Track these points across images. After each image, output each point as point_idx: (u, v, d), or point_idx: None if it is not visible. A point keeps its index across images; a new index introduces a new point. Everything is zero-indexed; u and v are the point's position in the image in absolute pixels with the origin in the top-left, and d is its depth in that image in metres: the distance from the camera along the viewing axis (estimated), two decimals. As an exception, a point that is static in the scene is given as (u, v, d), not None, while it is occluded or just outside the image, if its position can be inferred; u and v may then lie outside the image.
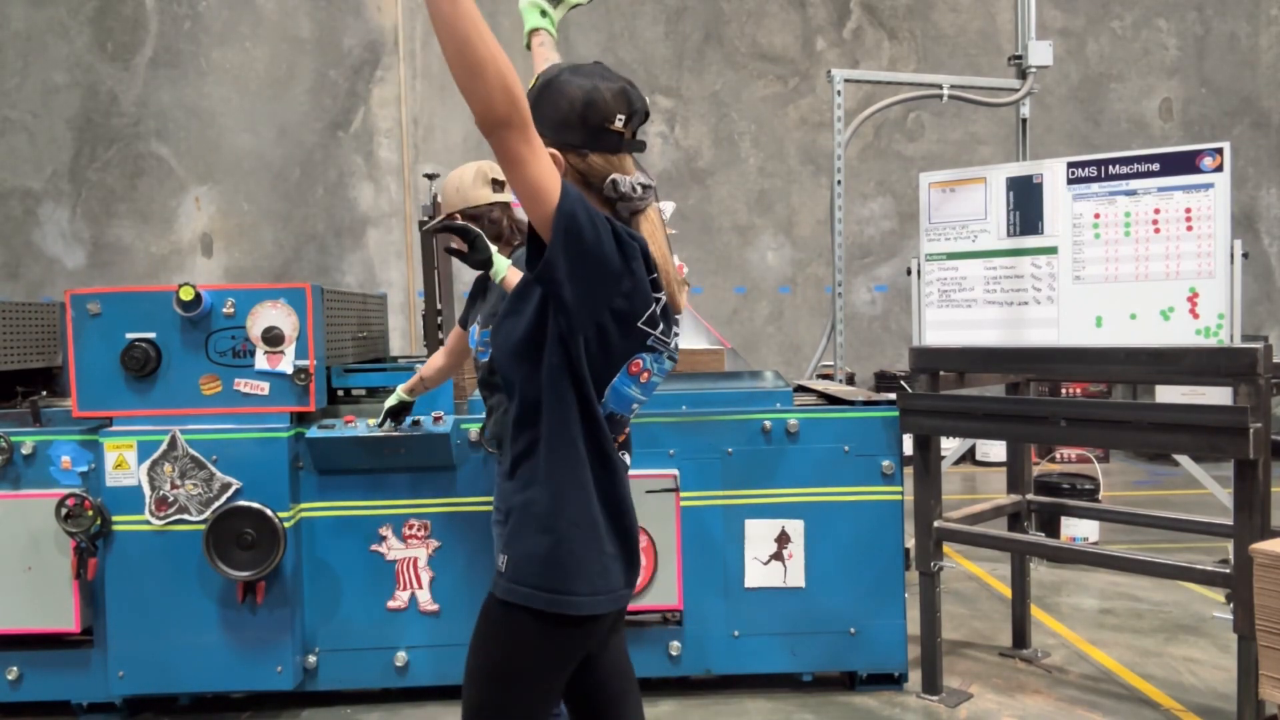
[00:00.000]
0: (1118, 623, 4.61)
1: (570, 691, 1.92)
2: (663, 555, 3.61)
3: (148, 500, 3.50)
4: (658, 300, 1.75)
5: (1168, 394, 5.96)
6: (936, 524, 3.72)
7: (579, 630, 1.73)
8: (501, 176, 3.14)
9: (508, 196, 3.14)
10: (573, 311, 1.65)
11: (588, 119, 1.73)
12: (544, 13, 2.08)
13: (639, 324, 1.72)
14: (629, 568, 1.81)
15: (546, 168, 1.57)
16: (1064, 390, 7.72)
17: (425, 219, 3.94)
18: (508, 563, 1.73)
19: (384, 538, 3.65)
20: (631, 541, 1.82)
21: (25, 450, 3.55)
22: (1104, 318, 3.49)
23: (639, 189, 1.76)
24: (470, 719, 1.76)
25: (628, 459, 1.95)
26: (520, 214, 3.18)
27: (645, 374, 1.80)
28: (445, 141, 10.12)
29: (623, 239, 1.67)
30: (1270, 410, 2.97)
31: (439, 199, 3.42)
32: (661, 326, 1.78)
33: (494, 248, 2.54)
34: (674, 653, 3.70)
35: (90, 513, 3.44)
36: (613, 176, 1.75)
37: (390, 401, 3.37)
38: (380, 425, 3.42)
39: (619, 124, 1.75)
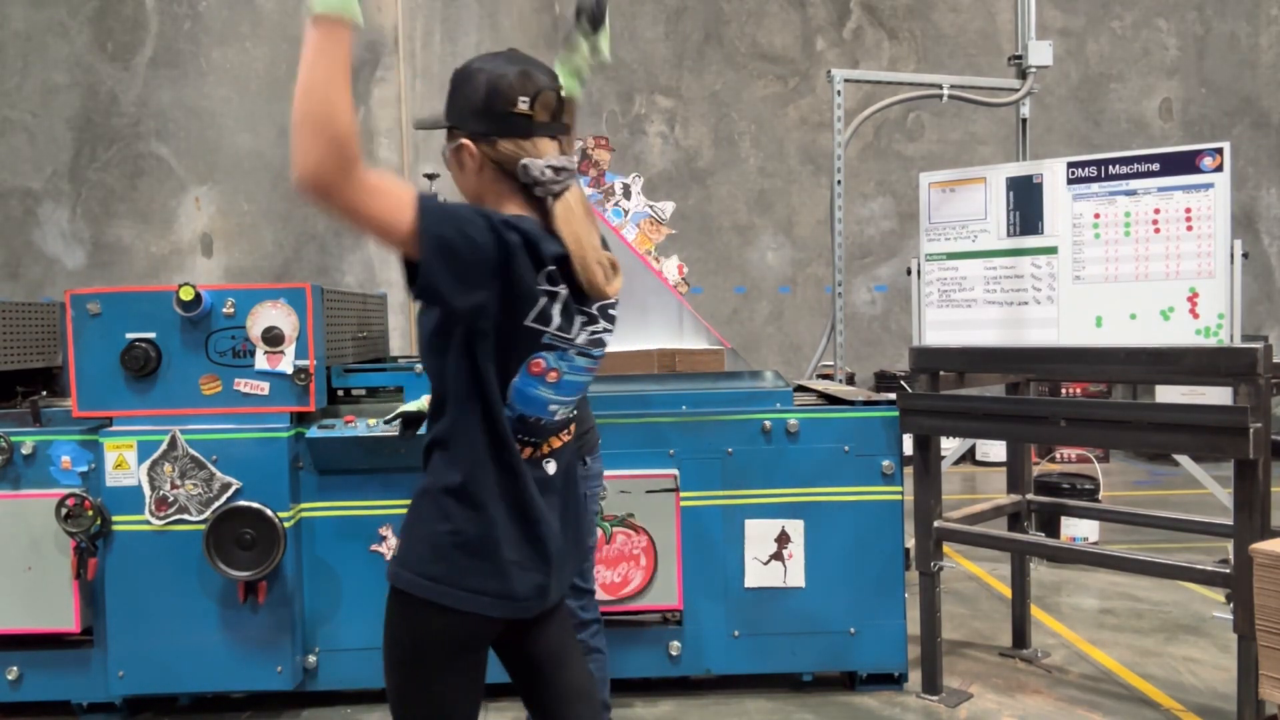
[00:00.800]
0: (1118, 623, 4.61)
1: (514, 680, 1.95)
2: (663, 555, 3.61)
3: (148, 500, 3.50)
4: (552, 295, 1.70)
5: (1168, 394, 5.96)
6: (936, 524, 3.72)
7: (462, 625, 1.71)
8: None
9: None
10: (469, 317, 1.64)
11: (492, 106, 1.74)
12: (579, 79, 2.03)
13: (526, 323, 1.69)
14: (539, 579, 1.77)
15: (383, 200, 1.52)
16: (1064, 390, 7.72)
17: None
18: (398, 547, 1.77)
19: (384, 538, 3.65)
20: (544, 552, 1.77)
21: (25, 450, 3.55)
22: (1104, 318, 3.49)
23: (549, 173, 1.73)
24: (390, 705, 1.80)
25: (551, 468, 1.83)
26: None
27: (552, 373, 1.74)
28: (445, 142, 10.11)
29: (501, 236, 1.61)
30: (1270, 410, 2.97)
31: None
32: (558, 322, 1.72)
33: None
34: (674, 653, 3.70)
35: (90, 513, 3.44)
36: (523, 162, 1.73)
37: (410, 407, 3.35)
38: (388, 423, 3.42)
39: (523, 107, 1.73)
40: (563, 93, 1.80)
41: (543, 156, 1.75)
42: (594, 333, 1.82)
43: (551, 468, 1.84)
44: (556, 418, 1.80)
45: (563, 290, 1.72)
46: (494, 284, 1.62)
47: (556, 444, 1.85)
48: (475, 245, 1.58)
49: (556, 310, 1.71)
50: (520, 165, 1.74)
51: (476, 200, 1.80)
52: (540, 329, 1.71)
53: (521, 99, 1.73)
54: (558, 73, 1.85)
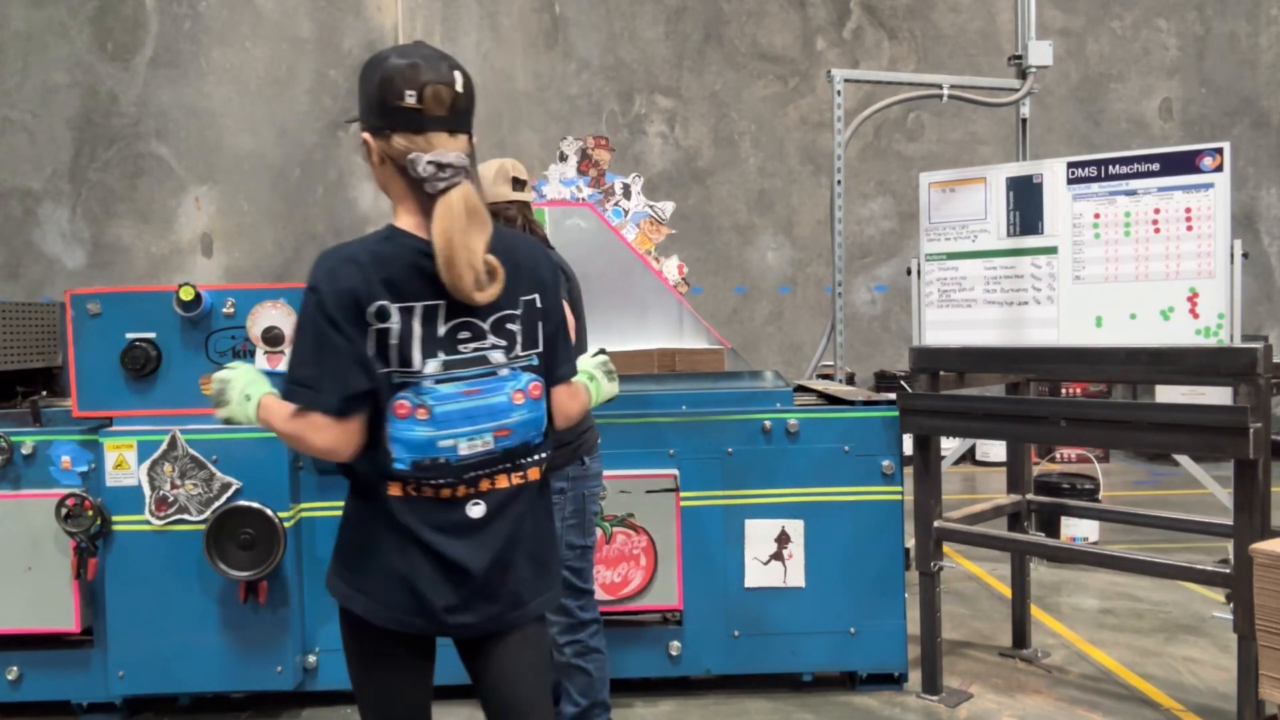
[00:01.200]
0: (1118, 623, 4.61)
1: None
2: (663, 555, 3.60)
3: (148, 500, 3.50)
4: (384, 331, 1.71)
5: (1168, 394, 5.96)
6: (936, 524, 3.72)
7: (364, 630, 1.85)
8: (523, 175, 3.15)
9: (527, 196, 3.14)
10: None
11: (384, 100, 1.73)
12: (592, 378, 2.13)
13: (379, 373, 1.73)
14: (443, 601, 1.79)
15: (311, 433, 1.73)
16: (1064, 390, 7.72)
17: None
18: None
19: (384, 538, 3.65)
20: (450, 578, 1.79)
21: (25, 450, 3.55)
22: (1104, 318, 3.48)
23: (430, 168, 1.71)
24: None
25: (476, 511, 1.80)
26: (536, 215, 3.20)
27: (420, 410, 1.73)
28: (445, 141, 10.12)
29: (319, 327, 1.71)
30: (1270, 410, 2.97)
31: None
32: (397, 358, 1.72)
33: None
34: (674, 653, 3.70)
35: (90, 513, 3.44)
36: (410, 156, 1.72)
37: None
38: None
39: (410, 100, 1.71)
40: (459, 86, 1.75)
41: (434, 150, 1.72)
42: (477, 349, 1.77)
43: (477, 510, 1.80)
44: (462, 451, 1.76)
45: (395, 322, 1.71)
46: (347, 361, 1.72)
47: (494, 485, 1.81)
48: (322, 354, 1.71)
49: (396, 342, 1.72)
50: (408, 160, 1.73)
51: (384, 191, 1.84)
52: (389, 372, 1.73)
53: (409, 92, 1.71)
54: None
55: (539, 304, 1.86)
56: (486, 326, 1.78)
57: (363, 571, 1.82)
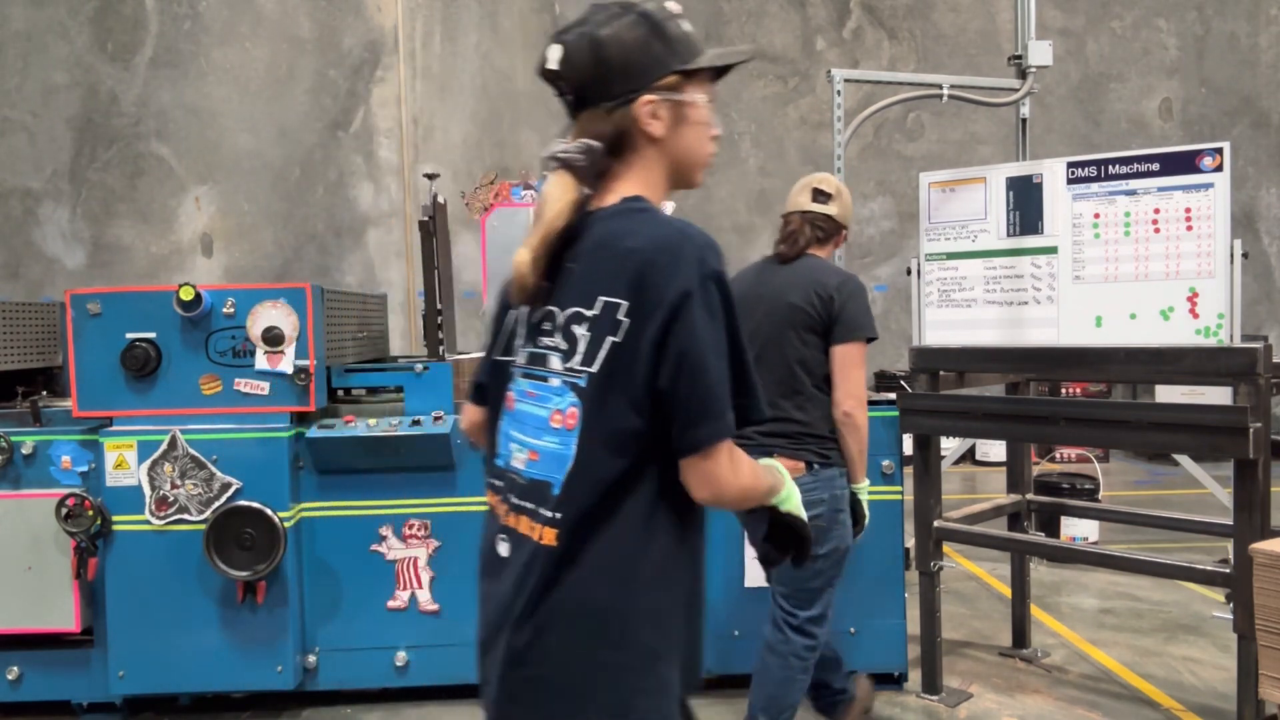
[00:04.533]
0: (1118, 623, 4.61)
1: None
2: (663, 555, 3.60)
3: (148, 500, 3.50)
4: (500, 325, 1.60)
5: (1168, 394, 5.95)
6: (936, 524, 3.72)
7: None
8: (827, 189, 3.18)
9: (828, 209, 3.16)
10: None
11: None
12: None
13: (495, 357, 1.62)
14: (480, 635, 1.54)
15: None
16: (1064, 390, 7.72)
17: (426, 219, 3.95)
18: None
19: (384, 538, 3.65)
20: (481, 610, 1.55)
21: (25, 450, 3.55)
22: (1104, 318, 3.48)
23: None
24: None
25: (503, 548, 1.51)
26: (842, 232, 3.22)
27: (509, 399, 1.56)
28: (445, 141, 10.12)
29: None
30: (1270, 410, 2.97)
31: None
32: (510, 344, 1.58)
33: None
34: (674, 653, 3.69)
35: (90, 513, 3.44)
36: None
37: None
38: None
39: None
40: (552, 62, 1.53)
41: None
42: (547, 345, 1.49)
43: (504, 547, 1.51)
44: (513, 463, 1.51)
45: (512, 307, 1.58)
46: None
47: (517, 525, 1.49)
48: None
49: (511, 330, 1.59)
50: None
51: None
52: (502, 360, 1.60)
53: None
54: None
55: (621, 315, 1.40)
56: (558, 322, 1.47)
57: None
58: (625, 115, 1.49)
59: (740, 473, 1.44)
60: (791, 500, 1.58)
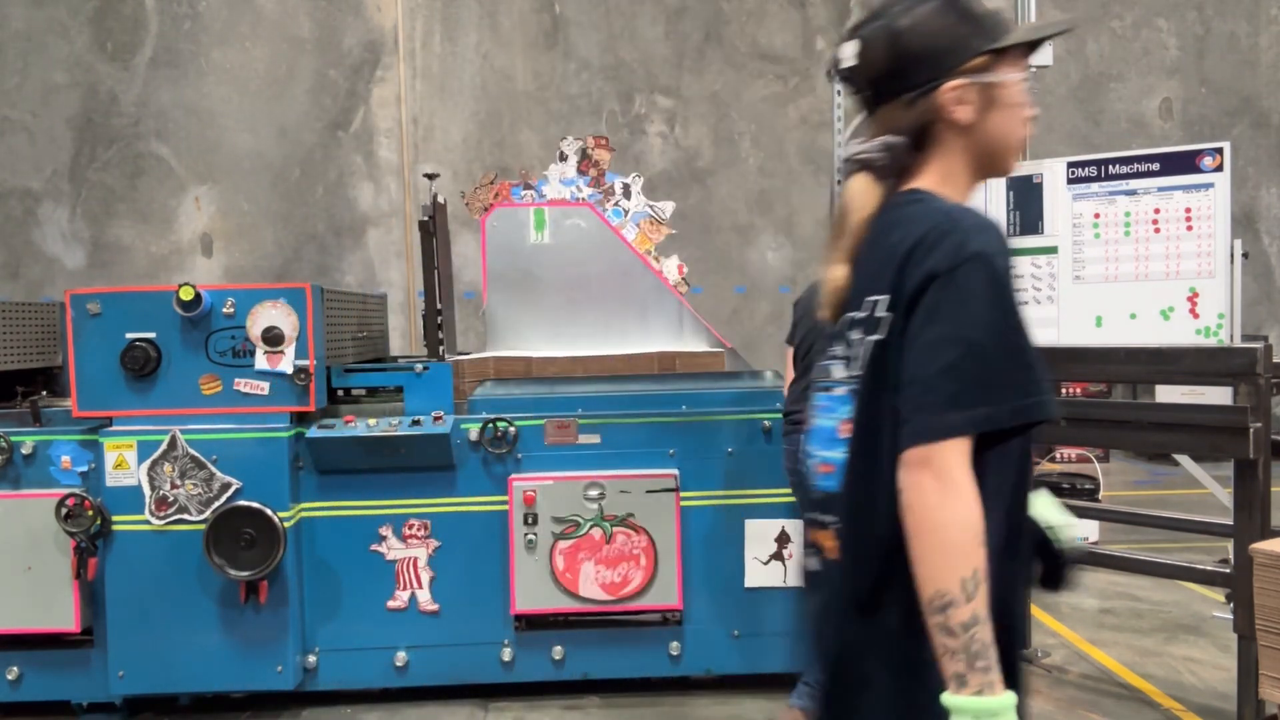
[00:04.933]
0: (1118, 623, 4.61)
1: None
2: (663, 555, 3.60)
3: (148, 500, 3.50)
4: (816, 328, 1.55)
5: (1168, 394, 5.95)
6: (936, 524, 3.71)
7: None
8: None
9: None
10: None
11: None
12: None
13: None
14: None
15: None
16: (1064, 390, 7.71)
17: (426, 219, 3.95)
18: None
19: (384, 537, 3.65)
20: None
21: (25, 450, 3.55)
22: (1104, 317, 3.48)
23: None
24: None
25: (812, 562, 1.52)
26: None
27: (812, 416, 1.54)
28: (445, 141, 10.12)
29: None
30: (1270, 410, 2.97)
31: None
32: (811, 353, 1.58)
33: None
34: (674, 653, 3.70)
35: (90, 513, 3.44)
36: None
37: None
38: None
39: None
40: (849, 59, 1.42)
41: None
42: (827, 357, 1.47)
43: (812, 562, 1.51)
44: (816, 478, 1.47)
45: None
46: None
47: (819, 540, 1.47)
48: None
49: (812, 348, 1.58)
50: None
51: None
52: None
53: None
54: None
55: (880, 311, 1.34)
56: (839, 329, 1.43)
57: None
58: (928, 104, 1.38)
59: (948, 502, 1.20)
60: (1068, 531, 1.49)
